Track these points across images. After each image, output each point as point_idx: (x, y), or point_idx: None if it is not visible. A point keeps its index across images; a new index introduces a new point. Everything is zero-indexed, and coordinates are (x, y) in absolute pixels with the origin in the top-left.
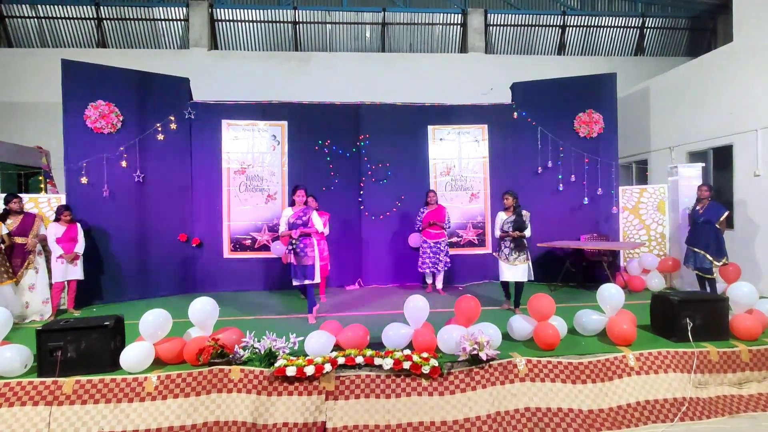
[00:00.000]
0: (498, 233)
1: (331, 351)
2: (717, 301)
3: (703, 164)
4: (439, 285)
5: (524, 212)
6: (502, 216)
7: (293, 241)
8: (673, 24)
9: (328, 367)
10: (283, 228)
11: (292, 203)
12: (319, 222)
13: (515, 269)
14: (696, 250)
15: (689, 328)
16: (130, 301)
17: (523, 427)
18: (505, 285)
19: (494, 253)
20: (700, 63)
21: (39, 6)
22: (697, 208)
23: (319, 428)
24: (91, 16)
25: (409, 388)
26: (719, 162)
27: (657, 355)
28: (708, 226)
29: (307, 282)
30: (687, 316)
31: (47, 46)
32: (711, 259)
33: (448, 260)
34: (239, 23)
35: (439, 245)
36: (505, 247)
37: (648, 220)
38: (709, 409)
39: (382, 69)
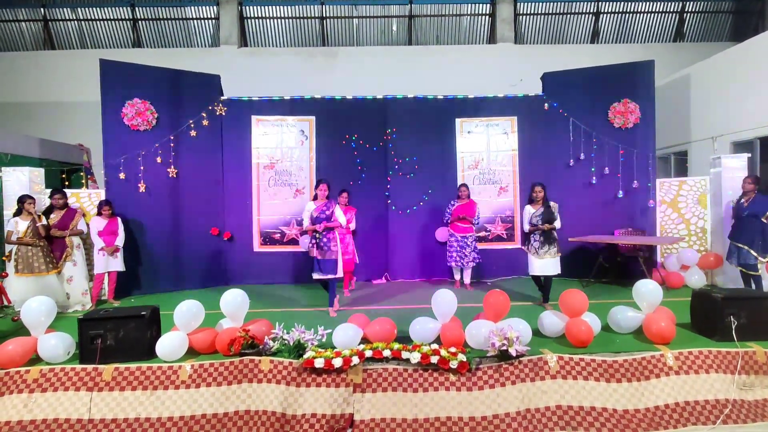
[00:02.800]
0: (527, 227)
1: (359, 344)
2: (763, 298)
3: (749, 154)
4: (467, 280)
5: (552, 203)
6: (529, 209)
7: (317, 235)
8: (715, 7)
9: (355, 360)
10: (306, 222)
11: (315, 197)
12: (342, 216)
13: (544, 262)
14: (740, 245)
15: (733, 327)
16: (165, 293)
17: (554, 426)
18: (537, 279)
19: (523, 247)
20: (747, 47)
21: (79, 9)
22: (742, 201)
23: (347, 420)
24: (127, 17)
25: (436, 383)
26: (766, 152)
27: (698, 354)
28: (753, 221)
29: (330, 276)
30: (731, 314)
31: (86, 47)
32: (756, 254)
33: (477, 256)
34: (268, 20)
35: (466, 240)
36: (535, 241)
37: (687, 214)
38: (755, 412)
39: (409, 62)
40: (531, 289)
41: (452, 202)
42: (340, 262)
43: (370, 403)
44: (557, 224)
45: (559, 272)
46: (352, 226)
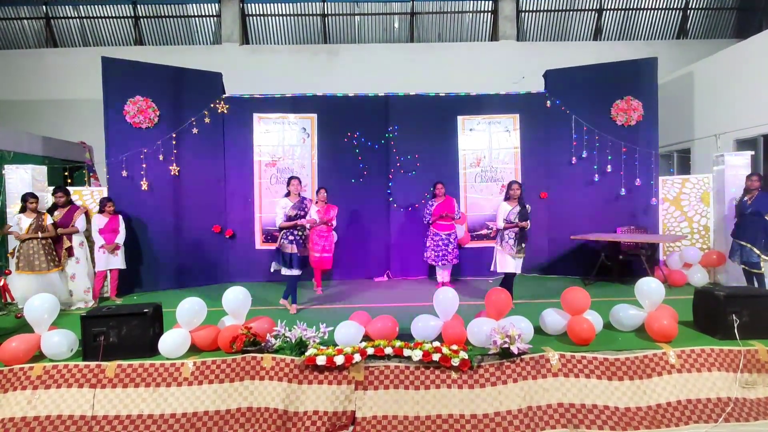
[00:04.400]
0: (502, 224)
1: (361, 341)
2: (766, 297)
3: (752, 152)
4: (447, 278)
5: (527, 205)
6: (506, 207)
7: (297, 232)
8: (719, 4)
9: (357, 358)
10: (280, 219)
11: (287, 194)
12: (314, 213)
13: (518, 261)
14: (743, 243)
15: (736, 325)
16: (167, 290)
17: (555, 423)
18: (511, 279)
19: (497, 245)
20: (751, 44)
21: (81, 6)
22: (745, 199)
23: (348, 417)
24: (128, 15)
25: (438, 380)
26: None
27: (700, 352)
28: (756, 218)
29: (299, 272)
30: (734, 312)
31: (88, 44)
32: (759, 253)
33: (458, 253)
34: (269, 17)
35: (449, 237)
36: (510, 239)
37: (690, 212)
38: (757, 410)
39: (411, 59)
40: (533, 287)
41: (430, 202)
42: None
43: (372, 400)
44: (528, 224)
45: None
46: (334, 223)
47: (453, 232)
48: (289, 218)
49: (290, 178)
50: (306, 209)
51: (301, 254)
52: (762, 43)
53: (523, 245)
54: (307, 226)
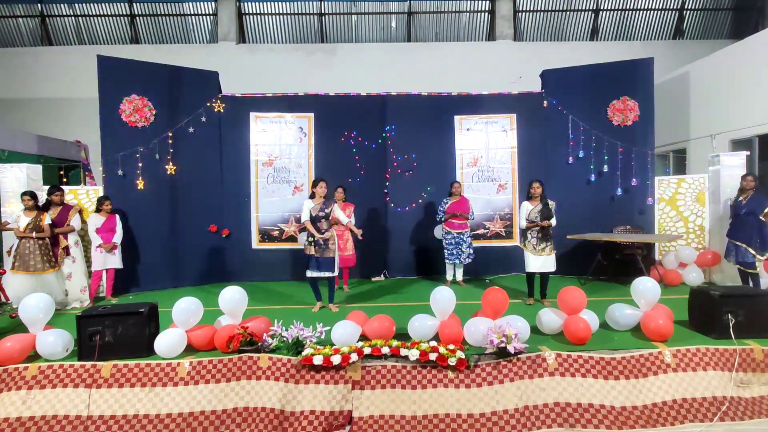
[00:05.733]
0: (524, 223)
1: (357, 341)
2: (761, 296)
3: (748, 152)
4: (460, 277)
5: (550, 201)
6: (527, 206)
7: (316, 234)
8: (715, 4)
9: (354, 357)
10: (305, 218)
11: (312, 195)
12: (342, 215)
13: (543, 259)
14: (738, 243)
15: (731, 325)
16: (163, 290)
17: (552, 422)
18: (531, 278)
19: (520, 244)
20: (746, 45)
21: (76, 5)
22: (740, 199)
23: (345, 417)
24: (124, 13)
25: (435, 380)
26: (765, 150)
27: (695, 352)
28: (751, 218)
29: (328, 274)
30: (729, 311)
31: (84, 43)
32: (754, 252)
33: (471, 252)
34: (266, 16)
35: (462, 236)
36: (532, 237)
37: (686, 211)
38: (752, 409)
39: (408, 59)
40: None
41: (444, 200)
42: (337, 260)
43: (369, 400)
44: (553, 222)
45: (554, 269)
46: (352, 221)
47: (466, 231)
48: (311, 220)
49: (316, 180)
50: (328, 210)
51: (323, 255)
52: (758, 44)
53: (549, 243)
54: (313, 230)
